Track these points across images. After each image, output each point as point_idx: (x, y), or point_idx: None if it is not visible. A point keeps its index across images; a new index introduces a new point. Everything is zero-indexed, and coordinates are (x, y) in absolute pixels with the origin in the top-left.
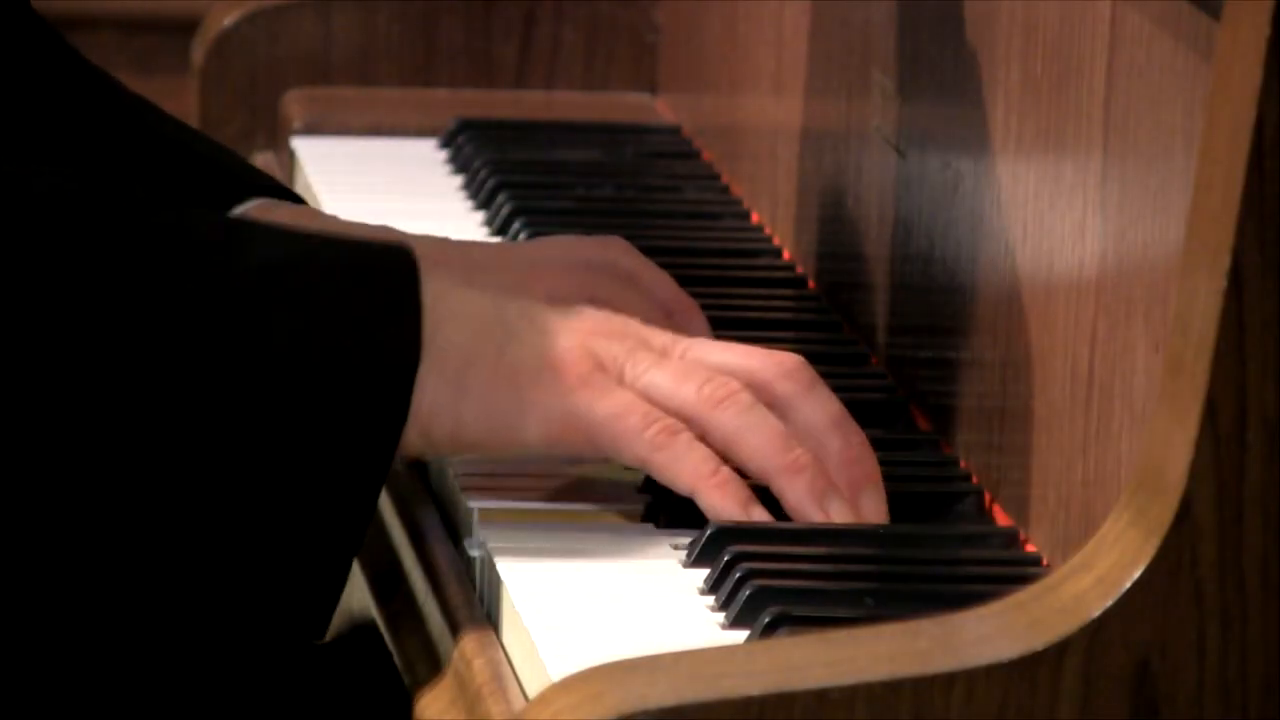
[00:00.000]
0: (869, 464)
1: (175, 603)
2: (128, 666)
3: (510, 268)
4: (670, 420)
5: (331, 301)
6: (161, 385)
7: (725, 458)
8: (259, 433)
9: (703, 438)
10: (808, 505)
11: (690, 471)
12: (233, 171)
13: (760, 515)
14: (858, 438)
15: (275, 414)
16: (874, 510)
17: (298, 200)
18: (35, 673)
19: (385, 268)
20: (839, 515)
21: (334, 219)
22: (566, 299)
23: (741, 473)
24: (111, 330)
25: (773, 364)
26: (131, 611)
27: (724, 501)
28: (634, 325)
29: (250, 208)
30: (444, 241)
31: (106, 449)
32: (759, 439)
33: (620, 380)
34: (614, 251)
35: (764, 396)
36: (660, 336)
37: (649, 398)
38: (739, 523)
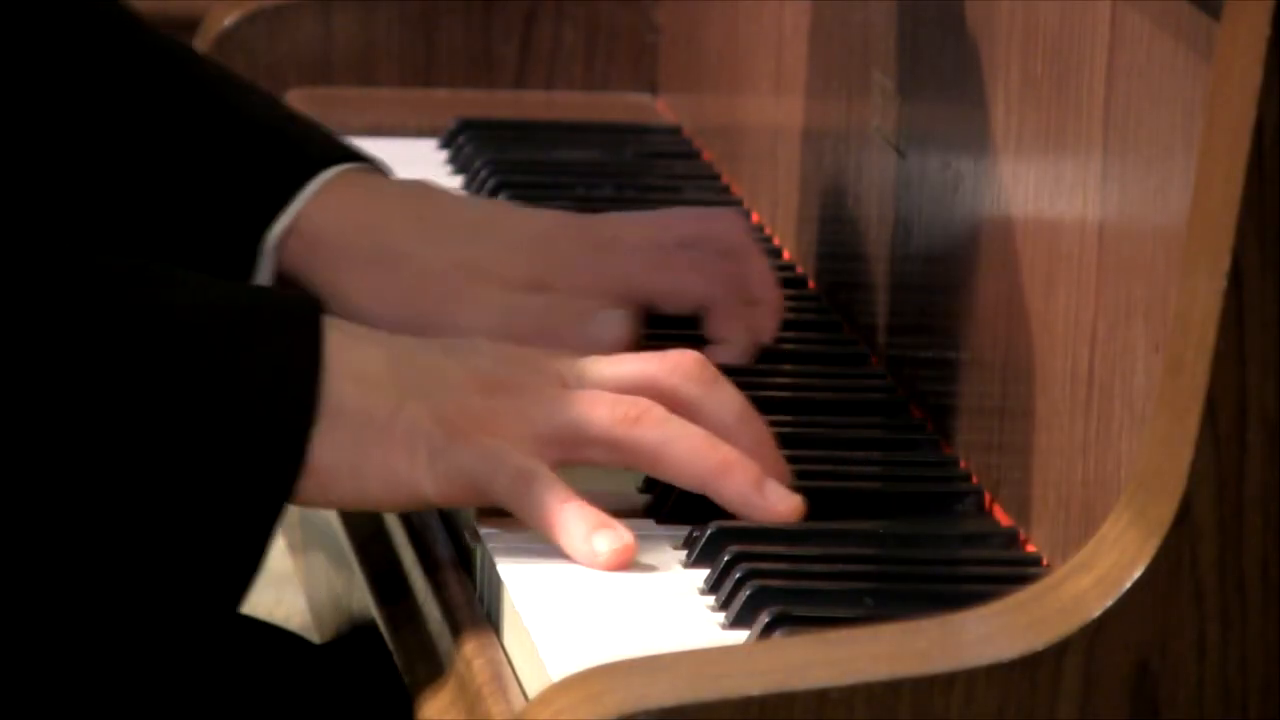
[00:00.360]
0: (774, 458)
1: (79, 630)
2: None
3: (588, 244)
4: (528, 465)
5: (231, 355)
6: (59, 426)
7: (653, 475)
8: (153, 479)
9: (628, 464)
10: (749, 497)
11: (545, 514)
12: (302, 144)
13: (602, 545)
14: (763, 431)
15: (170, 463)
16: (782, 501)
17: (379, 168)
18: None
19: (287, 323)
20: (777, 499)
21: (420, 189)
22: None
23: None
24: (12, 373)
25: (671, 366)
26: (46, 634)
27: (573, 538)
28: (529, 360)
29: (328, 178)
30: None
31: (6, 489)
32: (682, 448)
33: (526, 430)
34: (720, 224)
35: (670, 400)
36: (555, 364)
37: (562, 437)
38: (739, 523)
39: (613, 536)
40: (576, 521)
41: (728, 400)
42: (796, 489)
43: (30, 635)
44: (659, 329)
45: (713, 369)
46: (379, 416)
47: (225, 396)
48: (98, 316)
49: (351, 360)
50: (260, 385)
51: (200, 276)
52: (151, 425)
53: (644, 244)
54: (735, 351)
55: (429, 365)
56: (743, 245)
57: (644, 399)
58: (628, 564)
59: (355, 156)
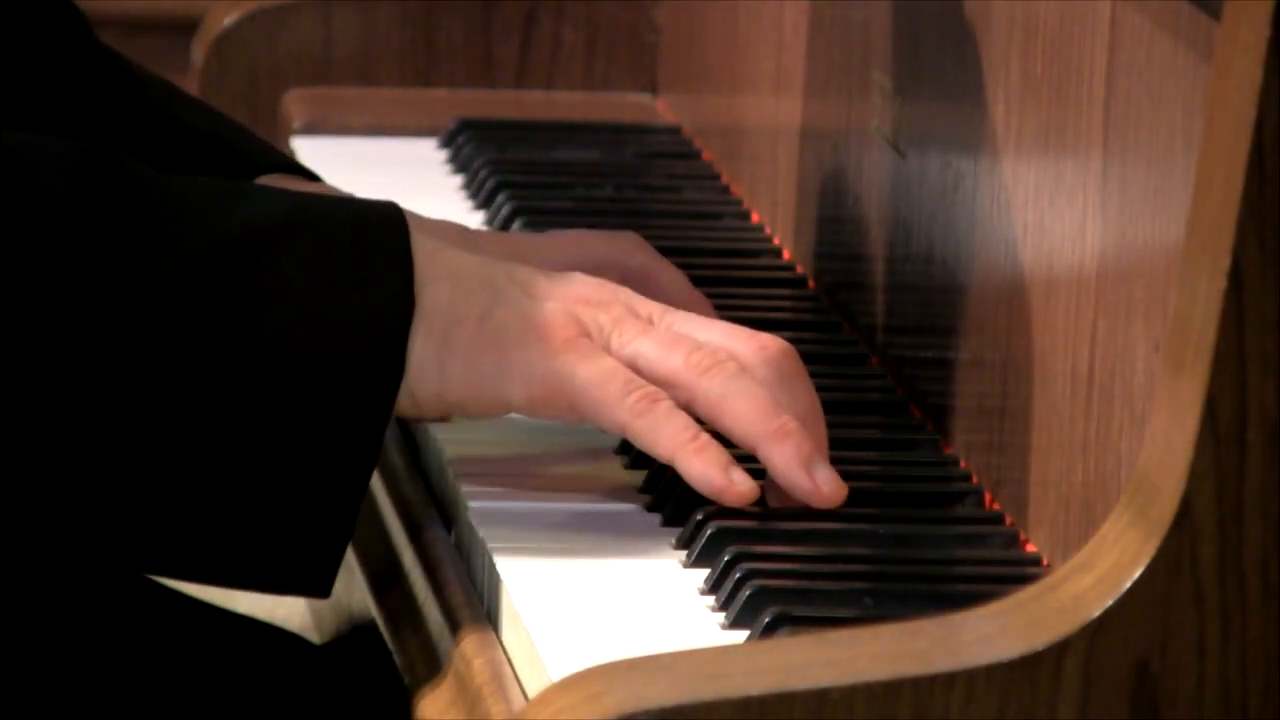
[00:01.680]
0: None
1: (186, 558)
2: (124, 665)
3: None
4: (651, 388)
5: (323, 258)
6: (159, 345)
7: (711, 425)
8: (258, 390)
9: (688, 405)
10: (794, 470)
11: (669, 438)
12: (246, 150)
13: (740, 478)
14: (823, 437)
15: (273, 371)
16: (828, 483)
17: (313, 177)
18: (35, 666)
19: (375, 225)
20: (824, 481)
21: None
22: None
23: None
24: (105, 290)
25: (755, 346)
26: (144, 562)
27: (704, 467)
28: (623, 293)
29: (270, 180)
30: (450, 225)
31: (110, 405)
32: (745, 405)
33: (606, 348)
34: (625, 249)
35: None
36: (647, 305)
37: (635, 365)
38: (739, 523)
39: (745, 474)
40: (714, 451)
41: (800, 396)
42: None
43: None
44: None
45: (796, 362)
46: (470, 318)
47: (319, 303)
48: (183, 234)
49: (439, 261)
50: (354, 285)
51: (279, 189)
52: (253, 338)
53: (542, 265)
54: None
55: (521, 277)
56: (652, 262)
57: (722, 350)
58: (751, 501)
59: (292, 166)
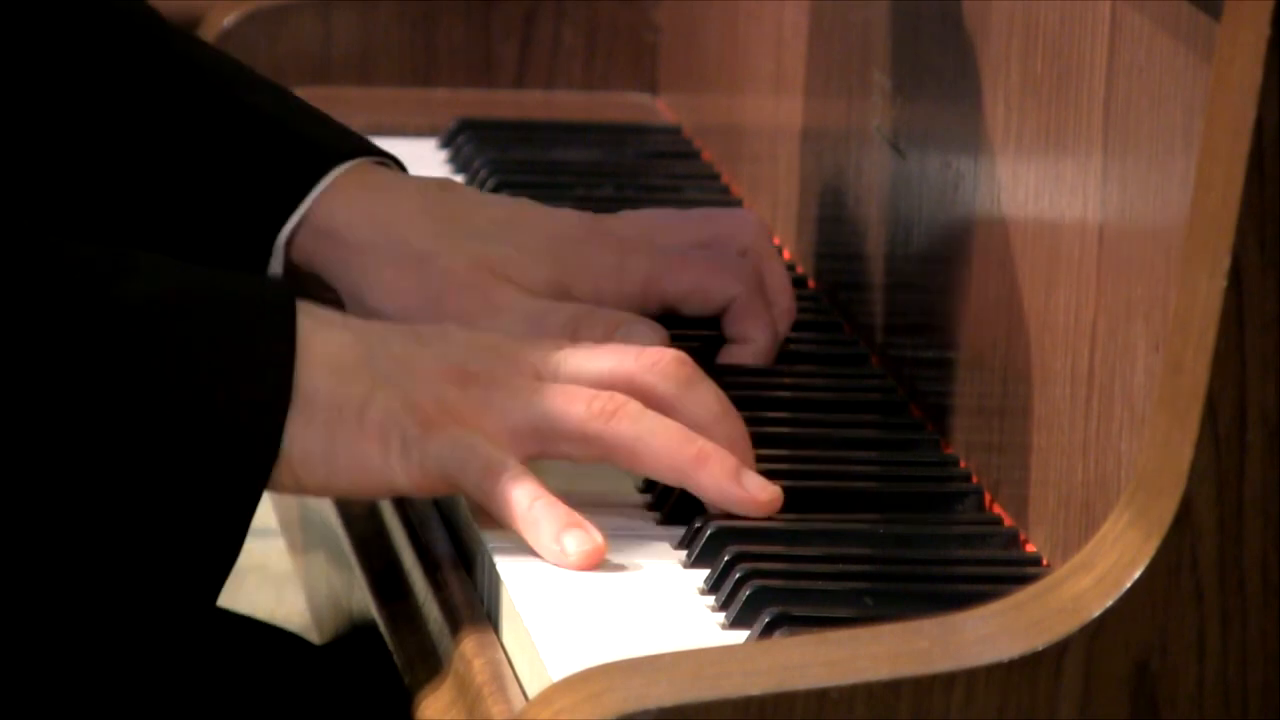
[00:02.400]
0: (748, 455)
1: (52, 630)
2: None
3: (609, 246)
4: (499, 459)
5: (205, 341)
6: (33, 414)
7: (631, 470)
8: (127, 470)
9: (605, 458)
10: (727, 488)
11: (515, 513)
12: (318, 138)
13: (573, 543)
14: (740, 429)
15: (143, 454)
16: (762, 490)
17: (396, 163)
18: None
19: (261, 309)
20: (756, 488)
21: (439, 185)
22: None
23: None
24: None
25: (647, 364)
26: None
27: (547, 526)
28: (503, 349)
29: (341, 173)
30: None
31: None
32: (658, 443)
33: (498, 422)
34: (738, 225)
35: (647, 397)
36: (529, 355)
37: (538, 430)
38: (739, 523)
39: (582, 537)
40: (546, 519)
41: (705, 400)
42: (797, 489)
43: (5, 636)
44: (681, 330)
45: (692, 367)
46: (351, 405)
47: (198, 385)
48: (66, 306)
49: (324, 347)
50: (234, 373)
51: (172, 262)
52: (123, 416)
53: (664, 245)
54: (757, 350)
55: (402, 354)
56: (760, 247)
57: (620, 394)
58: (596, 565)
59: (370, 150)
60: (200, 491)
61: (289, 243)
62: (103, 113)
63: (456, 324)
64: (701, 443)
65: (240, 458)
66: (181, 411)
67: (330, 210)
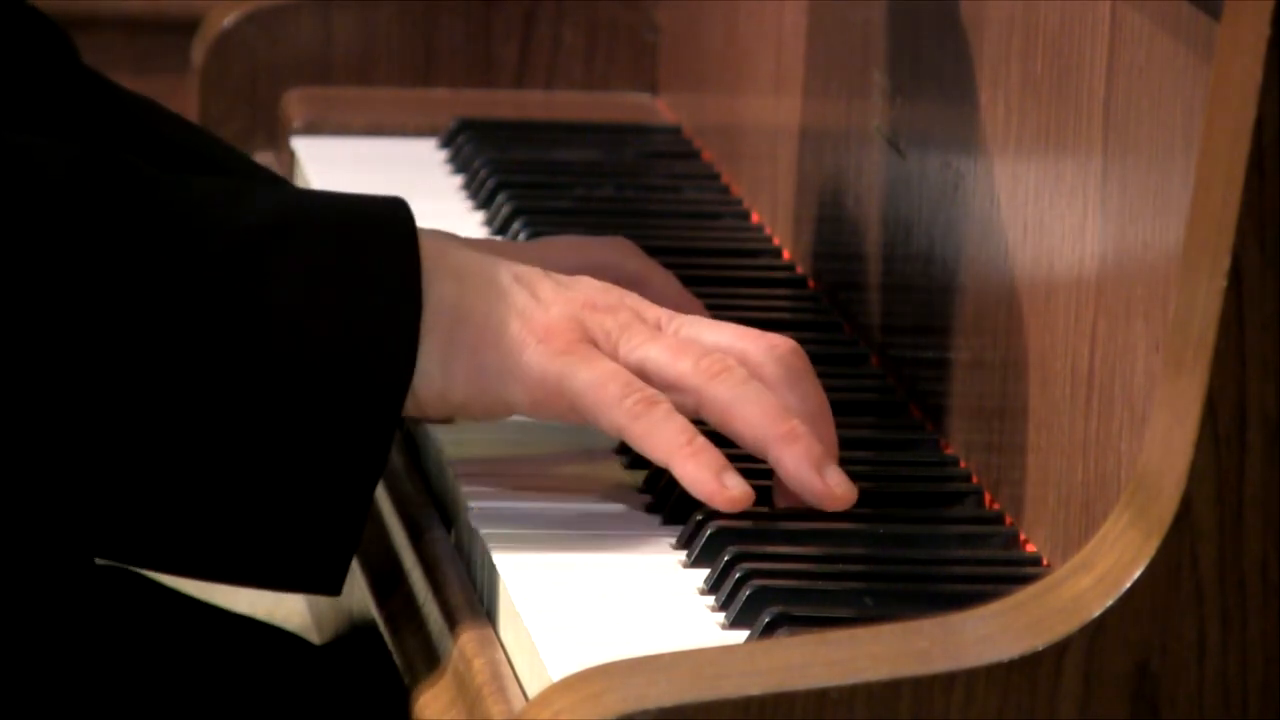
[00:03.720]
0: (835, 458)
1: (195, 555)
2: (124, 665)
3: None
4: (650, 391)
5: (328, 256)
6: (166, 344)
7: (720, 429)
8: (266, 388)
9: (697, 410)
10: (805, 472)
11: (665, 441)
12: (234, 170)
13: (734, 482)
14: (831, 437)
15: (281, 370)
16: (839, 485)
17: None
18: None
19: (380, 221)
20: (836, 482)
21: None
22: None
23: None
24: (110, 289)
25: (765, 346)
26: (153, 559)
27: (697, 470)
28: (629, 297)
29: None
30: (446, 235)
31: (120, 405)
32: (754, 409)
33: (614, 353)
34: (619, 253)
35: (755, 376)
36: (653, 310)
37: (643, 371)
38: (739, 523)
39: (740, 479)
40: (709, 454)
41: (808, 395)
42: None
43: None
44: None
45: (804, 361)
46: (475, 316)
47: (326, 301)
48: (193, 231)
49: (446, 259)
50: (362, 283)
51: (286, 185)
52: (259, 335)
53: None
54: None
55: (528, 277)
56: (646, 267)
57: (730, 358)
58: (745, 507)
59: (271, 180)
60: (339, 409)
61: None
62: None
63: None
64: (796, 422)
65: (375, 370)
66: (312, 328)
67: None
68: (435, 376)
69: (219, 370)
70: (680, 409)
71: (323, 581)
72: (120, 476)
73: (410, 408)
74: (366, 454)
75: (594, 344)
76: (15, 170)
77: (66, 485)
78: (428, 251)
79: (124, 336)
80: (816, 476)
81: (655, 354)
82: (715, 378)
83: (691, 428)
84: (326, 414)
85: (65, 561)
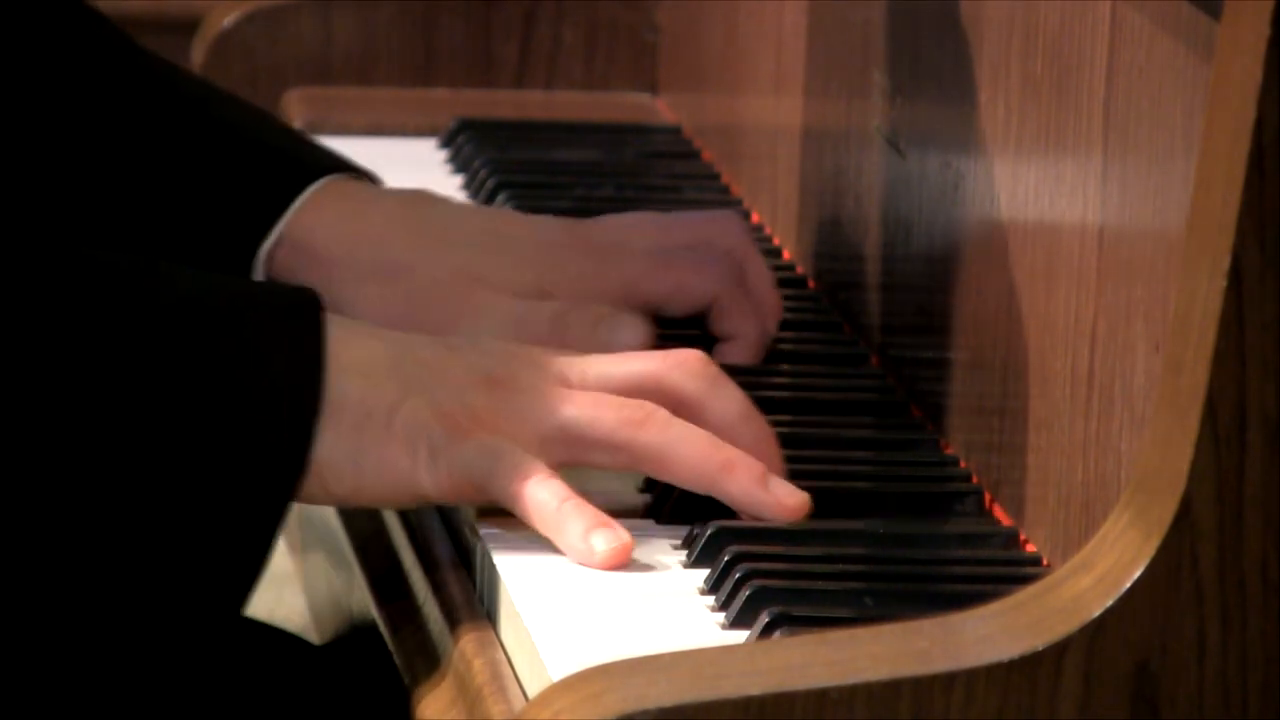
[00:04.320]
0: (775, 457)
1: (78, 633)
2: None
3: (590, 251)
4: (527, 463)
5: (232, 349)
6: (56, 423)
7: (659, 478)
8: (154, 476)
9: (633, 466)
10: (755, 493)
11: (543, 516)
12: (296, 154)
13: (601, 539)
14: (765, 429)
15: (171, 460)
16: (789, 495)
17: (370, 177)
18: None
19: (288, 316)
20: (784, 494)
21: (418, 197)
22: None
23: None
24: (6, 371)
25: (674, 364)
26: (45, 629)
27: (571, 537)
28: (531, 357)
29: (317, 189)
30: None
31: (11, 484)
32: (687, 449)
33: (531, 425)
34: (719, 229)
35: (675, 399)
36: (558, 362)
37: (566, 436)
38: (739, 523)
39: (610, 535)
40: (574, 519)
41: (731, 399)
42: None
43: (27, 638)
44: (666, 330)
45: (716, 367)
46: (380, 411)
47: (227, 392)
48: (93, 312)
49: (353, 354)
50: (262, 380)
51: (197, 271)
52: (151, 421)
53: (646, 248)
54: (745, 347)
55: (431, 361)
56: (742, 246)
57: (649, 402)
58: (625, 563)
59: (346, 166)
60: (229, 498)
61: (269, 259)
62: (83, 132)
63: (450, 333)
64: (729, 450)
65: (269, 465)
66: (209, 417)
67: (308, 226)
68: (346, 471)
69: (113, 449)
70: (611, 464)
71: (207, 645)
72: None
73: (323, 498)
74: (250, 544)
75: (499, 427)
76: None
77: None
78: (333, 347)
79: (20, 413)
80: (765, 494)
81: (574, 414)
82: (640, 428)
83: (562, 490)
84: (217, 502)
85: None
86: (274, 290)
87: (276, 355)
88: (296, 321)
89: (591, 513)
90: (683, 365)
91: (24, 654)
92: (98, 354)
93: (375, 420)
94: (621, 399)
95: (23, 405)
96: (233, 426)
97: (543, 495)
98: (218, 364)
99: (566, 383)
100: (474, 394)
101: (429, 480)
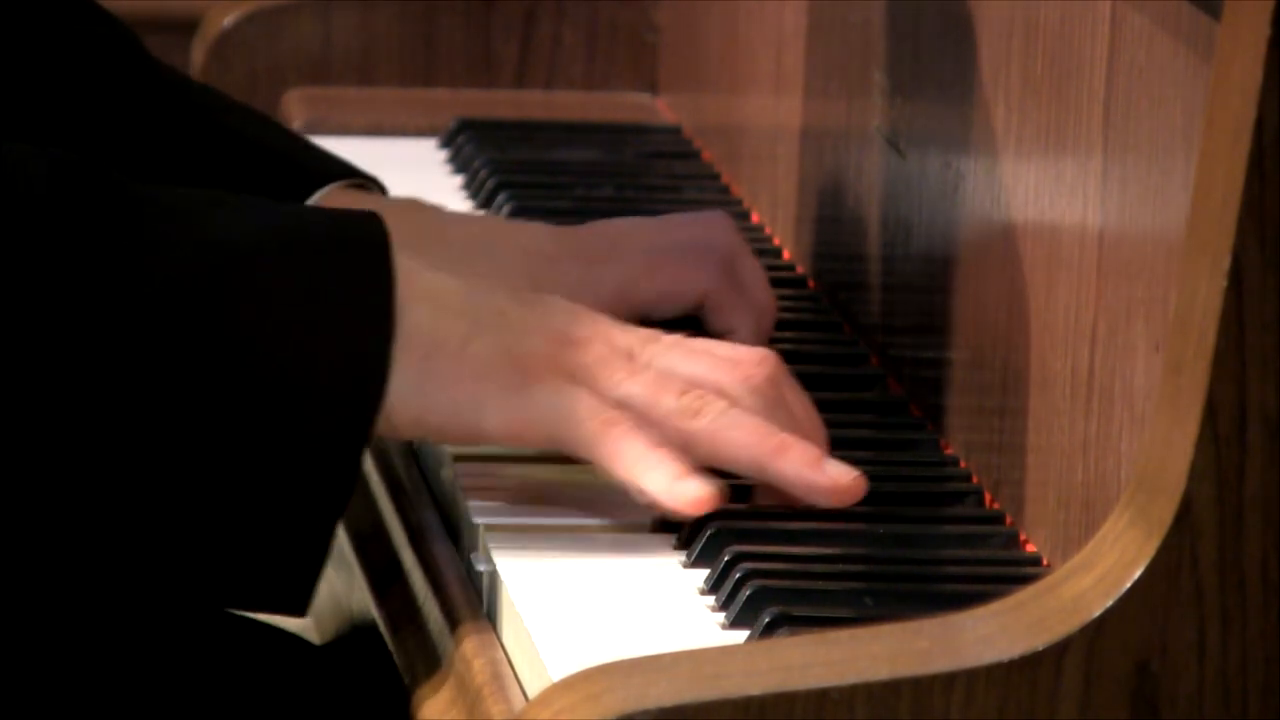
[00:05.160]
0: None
1: (160, 582)
2: (124, 666)
3: (582, 257)
4: (613, 413)
5: (302, 276)
6: (135, 359)
7: (712, 463)
8: (235, 408)
9: (685, 449)
10: (806, 475)
11: (627, 457)
12: (301, 160)
13: (693, 488)
14: (821, 439)
15: (250, 390)
16: (844, 474)
17: (372, 182)
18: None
19: (356, 242)
20: (838, 473)
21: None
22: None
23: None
24: (82, 300)
25: (740, 378)
26: (119, 595)
27: (662, 476)
28: (601, 324)
29: (322, 196)
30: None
31: (86, 420)
32: (739, 434)
33: (593, 389)
34: (712, 230)
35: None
36: (625, 336)
37: (624, 408)
38: (739, 523)
39: (698, 484)
40: (668, 464)
41: (795, 407)
42: None
43: (106, 590)
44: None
45: (785, 375)
46: (451, 344)
47: (297, 321)
48: (164, 245)
49: (426, 285)
50: (334, 306)
51: (261, 201)
52: (223, 355)
53: (635, 251)
54: (742, 341)
55: (505, 306)
56: (732, 245)
57: (708, 393)
58: (711, 507)
59: (350, 173)
60: (308, 432)
61: None
62: (89, 136)
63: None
64: (783, 435)
65: (346, 393)
66: (284, 349)
67: None
68: (411, 401)
69: (183, 388)
70: (660, 446)
71: (290, 602)
72: (84, 496)
73: (384, 429)
74: (334, 476)
75: (570, 378)
76: None
77: (29, 503)
78: (402, 275)
79: (88, 353)
80: (820, 475)
81: (636, 392)
82: (696, 416)
83: (655, 445)
84: (294, 437)
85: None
86: (342, 217)
87: (348, 282)
88: (366, 250)
89: (680, 462)
90: (746, 381)
91: (112, 604)
92: (168, 286)
93: (445, 352)
94: (683, 384)
95: (97, 340)
96: (308, 357)
97: (634, 442)
98: (288, 291)
99: (633, 358)
100: (544, 346)
101: (496, 420)
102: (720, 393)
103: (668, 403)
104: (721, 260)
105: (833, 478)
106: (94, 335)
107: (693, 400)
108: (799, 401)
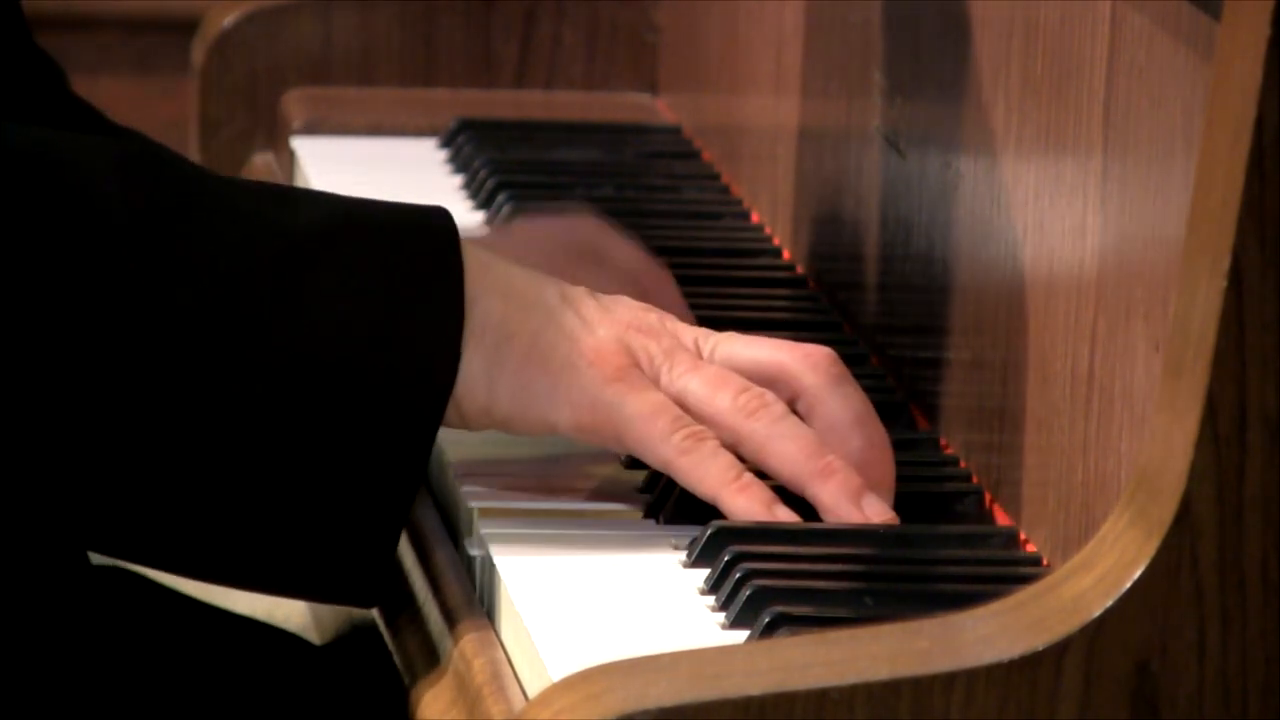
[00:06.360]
0: (885, 467)
1: (230, 564)
2: (124, 665)
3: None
4: (698, 426)
5: (372, 268)
6: (206, 349)
7: (756, 465)
8: (305, 399)
9: (734, 446)
10: (842, 504)
11: (714, 477)
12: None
13: (785, 515)
14: (880, 437)
15: (321, 381)
16: (878, 515)
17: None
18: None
19: (425, 234)
20: (875, 513)
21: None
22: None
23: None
24: (153, 292)
25: (801, 356)
26: (187, 567)
27: (749, 504)
28: (669, 321)
29: None
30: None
31: (157, 410)
32: (790, 446)
33: (656, 380)
34: (580, 231)
35: (792, 388)
36: (691, 332)
37: (683, 401)
38: (739, 522)
39: (788, 511)
40: (758, 489)
41: (846, 401)
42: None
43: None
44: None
45: (842, 368)
46: (523, 335)
47: (368, 311)
48: (235, 235)
49: (493, 274)
50: (405, 295)
51: (328, 194)
52: (301, 344)
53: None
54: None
55: (574, 299)
56: (607, 240)
57: (768, 393)
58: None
59: None
60: (378, 422)
61: None
62: None
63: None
64: (830, 457)
65: (417, 383)
66: (354, 340)
67: None
68: (480, 391)
69: (256, 380)
70: (719, 438)
71: (361, 593)
72: (159, 480)
73: (454, 419)
74: (405, 464)
75: (638, 368)
76: (58, 170)
77: (105, 487)
78: (472, 265)
79: (166, 337)
80: (855, 509)
81: (695, 385)
82: (752, 415)
83: (738, 464)
84: (364, 426)
85: (63, 561)
86: (410, 211)
87: (418, 273)
88: (435, 241)
89: (767, 488)
90: (808, 358)
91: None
92: (237, 280)
93: (516, 343)
94: (743, 383)
95: (176, 326)
96: (379, 347)
97: (721, 462)
98: (358, 282)
99: (697, 352)
100: (613, 338)
101: (565, 413)
102: (781, 373)
103: (723, 399)
104: (580, 251)
105: (868, 516)
106: (168, 325)
107: (751, 399)
108: (858, 393)
